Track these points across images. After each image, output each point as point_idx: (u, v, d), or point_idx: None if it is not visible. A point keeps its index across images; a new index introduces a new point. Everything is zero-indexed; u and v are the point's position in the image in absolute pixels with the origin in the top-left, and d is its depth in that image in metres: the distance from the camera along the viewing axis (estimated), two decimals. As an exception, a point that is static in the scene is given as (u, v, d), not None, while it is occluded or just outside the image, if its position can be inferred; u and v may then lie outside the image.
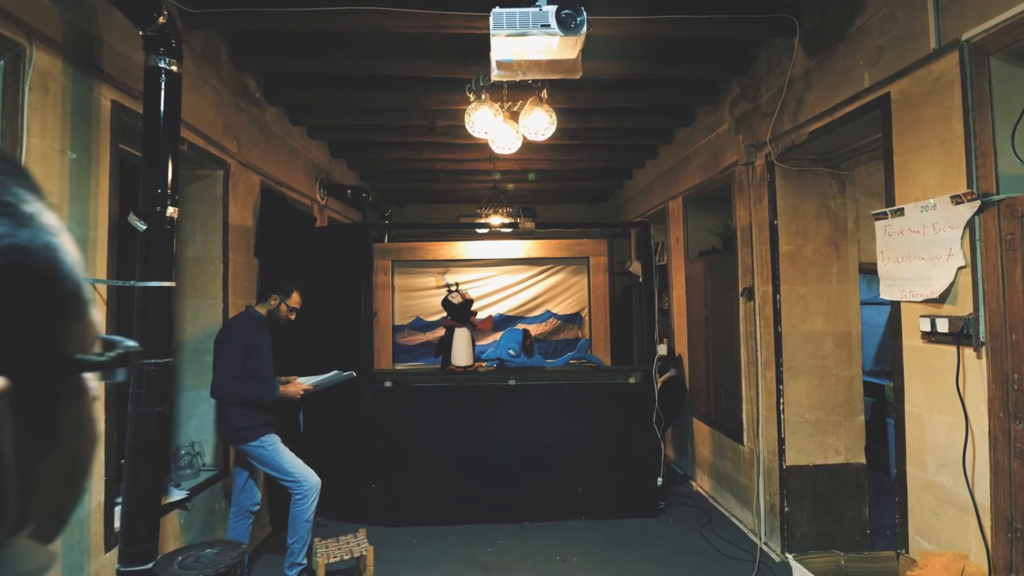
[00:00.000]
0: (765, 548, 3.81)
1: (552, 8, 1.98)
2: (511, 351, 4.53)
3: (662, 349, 5.42)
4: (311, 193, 5.35)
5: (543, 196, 8.25)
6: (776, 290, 3.73)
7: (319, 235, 5.02)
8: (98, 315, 0.36)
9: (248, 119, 4.05)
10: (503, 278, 6.02)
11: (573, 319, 6.26)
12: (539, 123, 3.08)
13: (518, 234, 6.06)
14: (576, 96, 4.36)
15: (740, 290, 4.20)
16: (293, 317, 3.43)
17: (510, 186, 7.27)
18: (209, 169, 3.62)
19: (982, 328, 2.22)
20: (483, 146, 5.57)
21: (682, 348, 5.61)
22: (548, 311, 6.30)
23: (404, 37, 3.70)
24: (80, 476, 0.33)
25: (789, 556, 2.45)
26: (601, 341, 5.89)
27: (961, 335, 2.29)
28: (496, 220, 6.01)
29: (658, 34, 3.39)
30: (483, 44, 3.79)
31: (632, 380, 4.58)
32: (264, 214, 4.23)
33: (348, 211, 6.68)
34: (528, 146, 4.24)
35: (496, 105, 3.20)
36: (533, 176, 6.80)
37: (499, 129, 3.23)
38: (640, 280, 4.82)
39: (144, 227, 2.34)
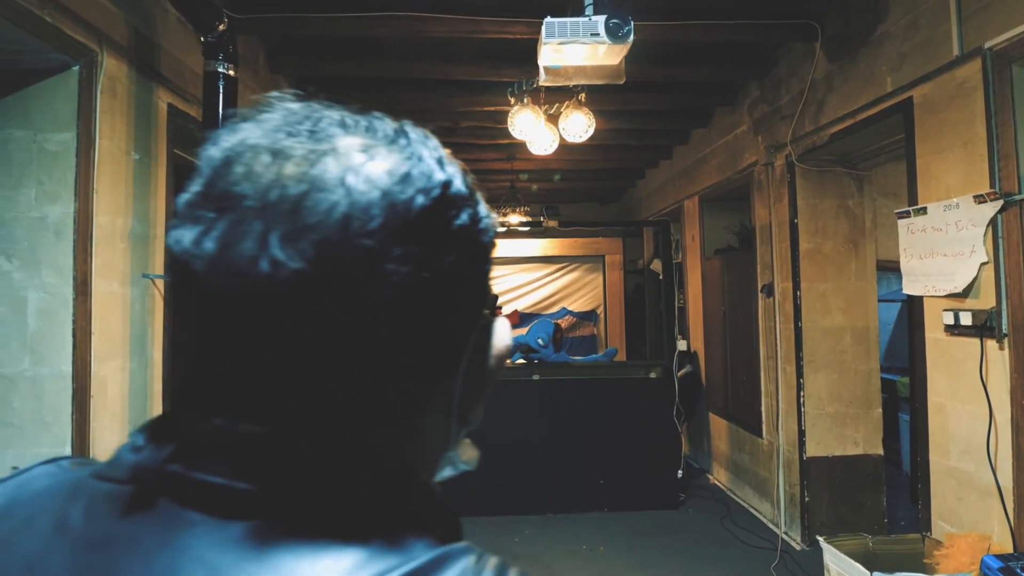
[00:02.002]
0: (785, 537, 3.93)
1: (601, 18, 2.09)
2: (540, 340, 4.64)
3: (682, 345, 5.53)
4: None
5: (556, 196, 8.37)
6: (796, 287, 3.85)
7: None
8: None
9: (281, 120, 4.16)
10: (519, 276, 6.15)
11: (588, 316, 6.38)
12: (578, 126, 3.20)
13: (534, 232, 6.18)
14: (600, 99, 4.46)
15: (759, 287, 4.32)
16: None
17: (534, 187, 7.38)
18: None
19: (1004, 321, 2.33)
20: (503, 147, 5.69)
21: (698, 344, 5.73)
22: (564, 308, 6.42)
23: (434, 41, 3.81)
24: (484, 390, 0.44)
25: (820, 538, 2.57)
26: (616, 337, 6.02)
27: (984, 327, 2.41)
28: (514, 219, 6.13)
29: (684, 39, 3.51)
30: (512, 49, 3.92)
31: (652, 375, 4.70)
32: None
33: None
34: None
35: (539, 109, 3.32)
36: (559, 177, 6.91)
37: (539, 132, 3.34)
38: (660, 277, 4.94)
39: (205, 224, 2.46)
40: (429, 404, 0.40)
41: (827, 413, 3.82)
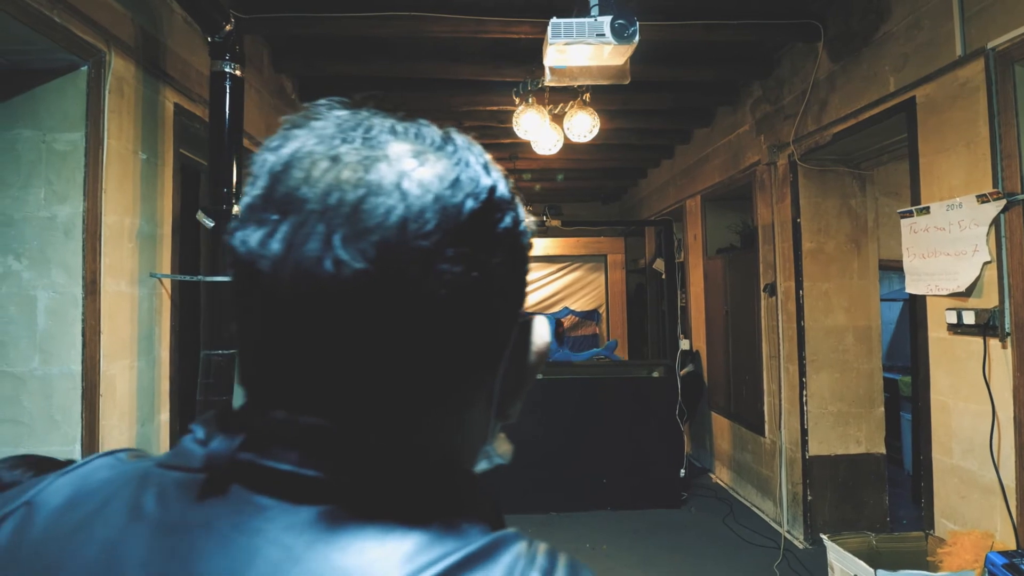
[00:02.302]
0: (788, 536, 3.94)
1: (607, 18, 2.11)
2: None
3: (684, 344, 5.55)
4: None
5: (558, 195, 8.38)
6: (799, 286, 3.86)
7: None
8: None
9: (285, 120, 4.18)
10: (522, 275, 6.18)
11: (591, 315, 6.40)
12: (583, 125, 3.21)
13: (537, 232, 6.19)
14: (603, 98, 4.47)
15: (762, 286, 4.33)
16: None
17: (537, 186, 7.39)
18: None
19: (1007, 319, 2.35)
20: (505, 146, 5.69)
21: (700, 344, 5.74)
22: (566, 307, 6.46)
23: (438, 41, 3.82)
24: (524, 385, 0.45)
25: (824, 537, 2.58)
26: (619, 336, 6.03)
27: (987, 326, 2.42)
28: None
29: (687, 39, 3.52)
30: (515, 48, 3.93)
31: (655, 374, 4.72)
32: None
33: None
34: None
35: (543, 108, 3.33)
36: (562, 177, 6.93)
37: (544, 132, 3.36)
38: (663, 277, 4.95)
39: (212, 224, 2.47)
40: (473, 398, 0.42)
41: (830, 412, 3.83)
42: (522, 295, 0.43)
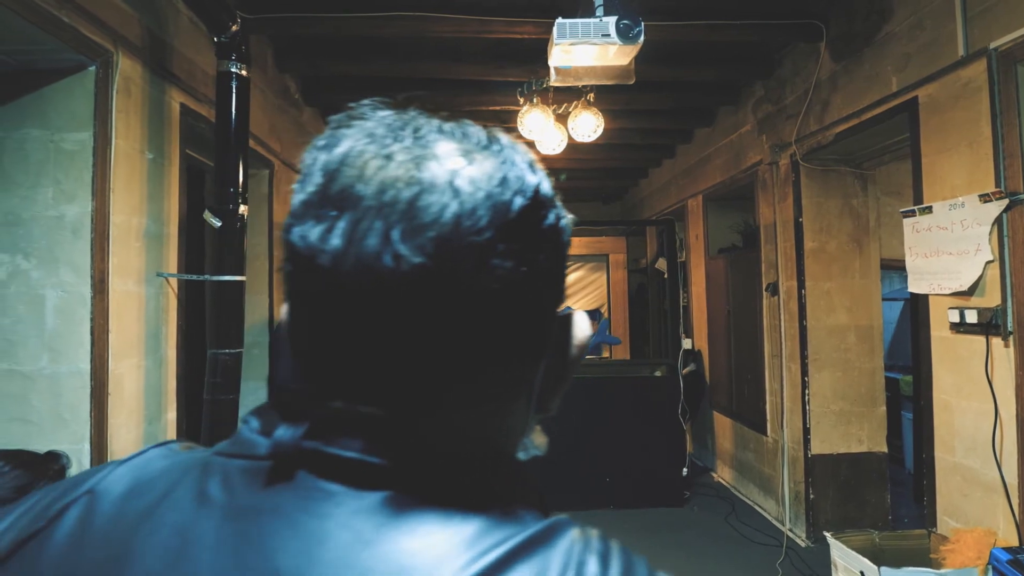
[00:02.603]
0: (790, 534, 3.96)
1: (612, 19, 2.12)
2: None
3: (687, 344, 5.56)
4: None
5: (559, 195, 8.38)
6: (801, 285, 3.88)
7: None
8: None
9: (289, 120, 4.19)
10: (523, 275, 6.19)
11: (593, 315, 6.43)
12: (587, 125, 3.23)
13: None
14: (605, 98, 4.48)
15: (764, 286, 4.34)
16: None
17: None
18: (256, 168, 3.76)
19: (1010, 318, 2.36)
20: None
21: (701, 343, 5.75)
22: (568, 307, 6.46)
23: (441, 41, 3.83)
24: (565, 379, 0.46)
25: (827, 534, 2.59)
26: (621, 336, 6.04)
27: (990, 325, 2.43)
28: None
29: (689, 39, 3.54)
30: (518, 49, 3.94)
31: (658, 373, 4.73)
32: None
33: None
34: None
35: (548, 108, 3.34)
36: (565, 177, 6.94)
37: (548, 131, 3.37)
38: (665, 276, 4.96)
39: (219, 224, 2.48)
40: (517, 390, 0.43)
41: (832, 411, 3.84)
42: (563, 290, 0.44)
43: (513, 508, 0.38)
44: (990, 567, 1.80)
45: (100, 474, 0.43)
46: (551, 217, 0.42)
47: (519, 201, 0.39)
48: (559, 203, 0.44)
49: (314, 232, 0.37)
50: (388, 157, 0.39)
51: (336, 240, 0.37)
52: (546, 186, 0.43)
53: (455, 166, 0.39)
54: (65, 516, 0.40)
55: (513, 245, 0.38)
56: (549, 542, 0.36)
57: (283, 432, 0.38)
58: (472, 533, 0.36)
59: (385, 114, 0.42)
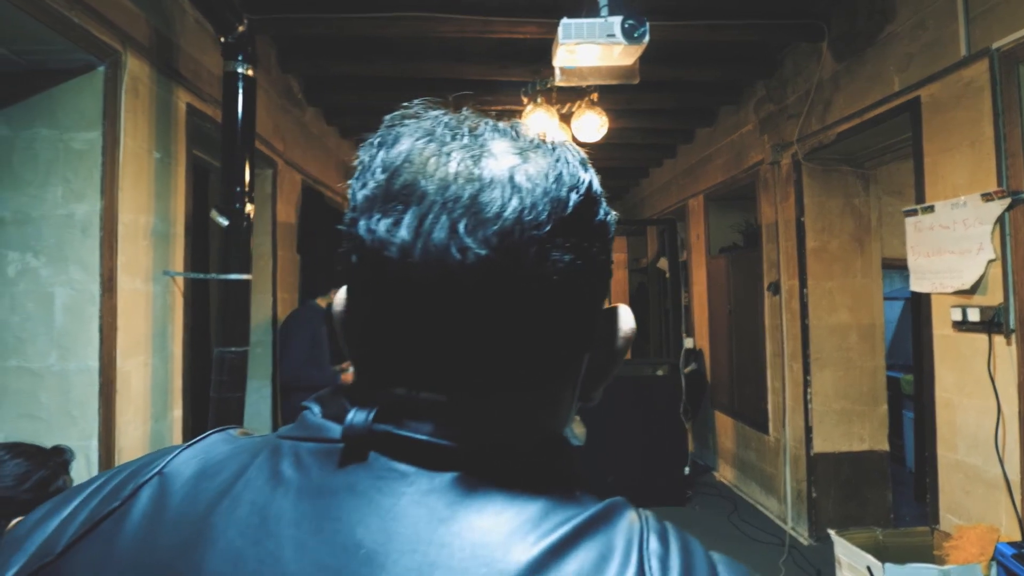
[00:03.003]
0: (793, 533, 3.97)
1: (617, 19, 2.13)
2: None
3: (689, 343, 5.58)
4: (342, 190, 5.51)
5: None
6: (803, 284, 3.89)
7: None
8: None
9: (291, 120, 4.21)
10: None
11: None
12: (591, 125, 3.24)
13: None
14: (606, 98, 4.50)
15: (766, 285, 4.36)
16: (349, 310, 3.60)
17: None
18: (260, 168, 3.76)
19: (1012, 316, 2.38)
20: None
21: (703, 343, 5.77)
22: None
23: (444, 41, 3.84)
24: (610, 369, 0.48)
25: (831, 532, 2.61)
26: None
27: (992, 323, 2.45)
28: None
29: (691, 39, 3.55)
30: (521, 49, 3.96)
31: (660, 373, 4.74)
32: (305, 212, 4.38)
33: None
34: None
35: (552, 108, 3.36)
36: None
37: (552, 131, 3.38)
38: (667, 276, 4.98)
39: (226, 223, 2.50)
40: (565, 378, 0.45)
41: (833, 410, 3.86)
42: (609, 282, 0.46)
43: (571, 490, 0.40)
44: (994, 562, 1.82)
45: (166, 458, 0.45)
46: (601, 213, 0.44)
47: (574, 197, 0.41)
48: (605, 199, 0.46)
49: (382, 225, 0.39)
50: (448, 154, 0.40)
51: (404, 233, 0.39)
52: (597, 183, 0.45)
53: (512, 163, 0.41)
54: (139, 496, 0.42)
55: (569, 239, 0.40)
56: (611, 522, 0.38)
57: (355, 415, 0.40)
58: (537, 512, 0.38)
59: (439, 113, 0.44)
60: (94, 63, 2.16)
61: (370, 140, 0.43)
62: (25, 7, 1.79)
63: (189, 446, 0.46)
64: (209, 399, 2.61)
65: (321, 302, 3.59)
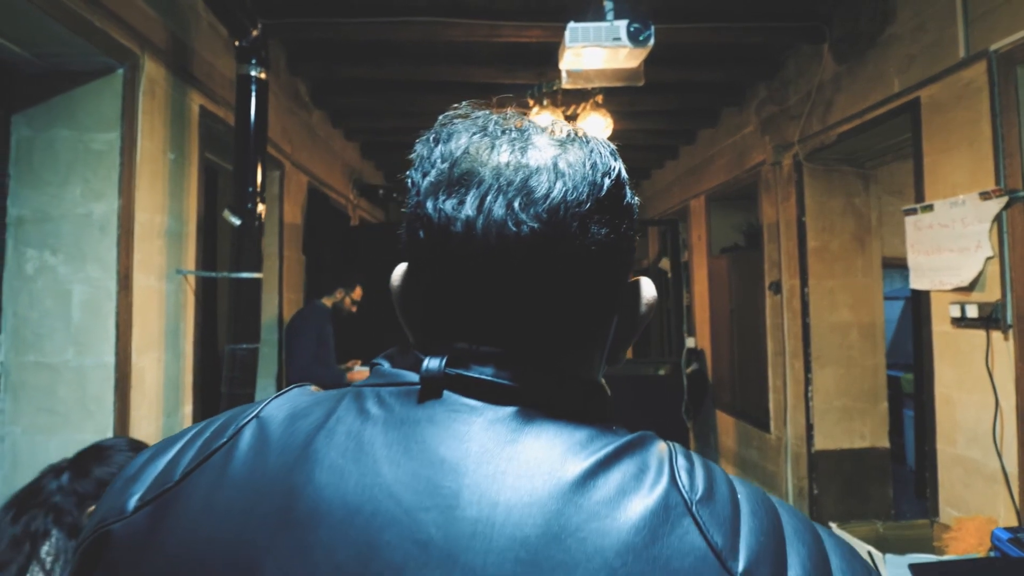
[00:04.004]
0: (794, 528, 4.01)
1: (623, 22, 2.19)
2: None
3: (690, 342, 5.62)
4: (345, 192, 5.57)
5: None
6: (804, 283, 3.94)
7: (363, 233, 5.24)
8: None
9: (299, 122, 4.26)
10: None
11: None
12: (596, 126, 3.29)
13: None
14: (609, 99, 4.56)
15: (767, 284, 4.41)
16: (355, 309, 3.65)
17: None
18: (268, 170, 3.82)
19: (1010, 312, 2.42)
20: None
21: (704, 342, 5.81)
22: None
23: (452, 45, 3.90)
24: (634, 333, 0.55)
25: (832, 524, 2.65)
26: (624, 336, 6.11)
27: (990, 319, 2.50)
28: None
29: (694, 41, 3.61)
30: (527, 52, 4.01)
31: (662, 372, 4.79)
32: (311, 213, 4.44)
33: (375, 210, 6.89)
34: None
35: (558, 110, 3.41)
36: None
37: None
38: (669, 276, 5.02)
39: (239, 222, 2.55)
40: (596, 340, 0.53)
41: (834, 407, 3.91)
42: (633, 256, 0.54)
43: (608, 424, 0.49)
44: (992, 547, 1.86)
45: (258, 407, 0.51)
46: (628, 195, 0.52)
47: (607, 181, 0.49)
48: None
49: (448, 204, 0.47)
50: (499, 147, 0.48)
51: (468, 210, 0.46)
52: (624, 171, 0.52)
53: (554, 153, 0.48)
54: (242, 434, 0.48)
55: (604, 216, 0.48)
56: (644, 446, 0.46)
57: (431, 362, 0.47)
58: (584, 437, 0.45)
59: (487, 112, 0.51)
60: (113, 66, 2.21)
61: (426, 136, 0.51)
62: (48, 9, 1.84)
63: (275, 397, 0.52)
64: (219, 395, 2.66)
65: (327, 302, 3.63)
